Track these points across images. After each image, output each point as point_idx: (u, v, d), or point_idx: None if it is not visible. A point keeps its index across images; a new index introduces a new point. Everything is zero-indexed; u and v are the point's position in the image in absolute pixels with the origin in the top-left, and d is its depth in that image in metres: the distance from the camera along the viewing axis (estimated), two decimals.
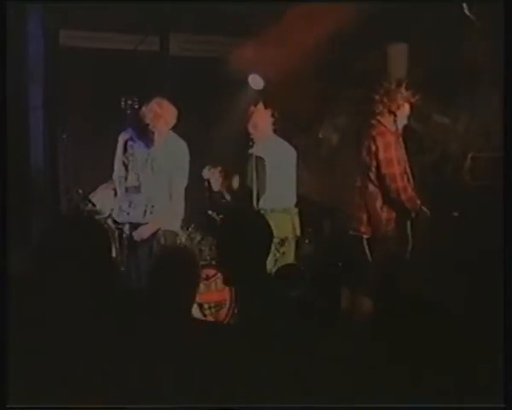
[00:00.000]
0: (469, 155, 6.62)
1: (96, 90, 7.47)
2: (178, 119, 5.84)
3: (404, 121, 6.04)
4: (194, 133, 7.06)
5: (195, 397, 2.66)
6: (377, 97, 5.96)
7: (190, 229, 6.74)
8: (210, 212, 6.82)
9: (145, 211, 5.80)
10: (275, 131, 6.34)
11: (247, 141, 6.24)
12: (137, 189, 5.83)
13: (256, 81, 7.13)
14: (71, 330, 2.68)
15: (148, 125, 5.74)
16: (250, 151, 6.18)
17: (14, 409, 2.61)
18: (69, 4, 7.00)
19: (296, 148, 6.38)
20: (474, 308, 2.68)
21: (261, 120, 6.28)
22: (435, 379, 2.50)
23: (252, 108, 6.34)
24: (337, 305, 4.28)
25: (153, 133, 5.77)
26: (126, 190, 5.86)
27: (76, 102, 7.50)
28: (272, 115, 6.30)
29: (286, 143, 6.36)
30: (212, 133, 7.42)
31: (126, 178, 5.84)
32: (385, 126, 5.92)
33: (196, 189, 6.29)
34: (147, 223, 5.79)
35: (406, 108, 5.99)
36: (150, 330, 2.80)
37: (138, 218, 5.81)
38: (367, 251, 5.86)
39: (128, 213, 5.82)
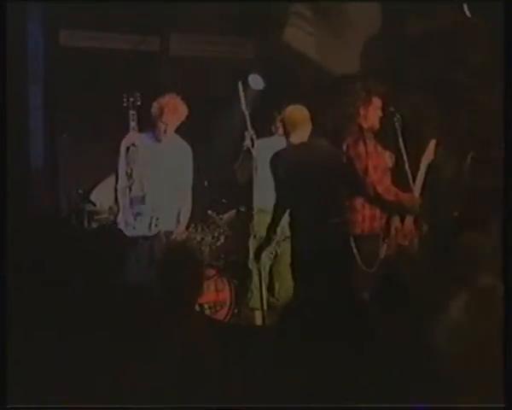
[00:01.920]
0: (469, 155, 6.61)
1: (96, 90, 7.46)
2: (186, 119, 5.89)
3: (379, 114, 6.01)
4: (195, 133, 7.05)
5: (199, 395, 2.66)
6: (351, 99, 5.98)
7: (190, 229, 6.74)
8: (210, 212, 6.82)
9: (150, 224, 5.81)
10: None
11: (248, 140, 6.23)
12: (142, 199, 5.83)
13: (256, 81, 7.12)
14: (71, 330, 2.68)
15: (160, 118, 5.77)
16: (252, 151, 6.15)
17: (14, 409, 2.61)
18: (69, 4, 7.00)
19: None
20: (473, 308, 2.68)
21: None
22: (435, 379, 2.50)
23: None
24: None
25: (166, 125, 5.80)
26: (131, 201, 5.86)
27: (76, 102, 7.49)
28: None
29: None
30: (213, 133, 7.42)
31: (130, 189, 5.84)
32: (358, 124, 5.92)
33: (197, 189, 6.29)
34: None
35: (376, 100, 5.97)
36: (154, 330, 2.79)
37: (144, 231, 5.81)
38: (355, 250, 5.82)
39: (134, 228, 5.82)
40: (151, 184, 5.87)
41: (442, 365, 2.42)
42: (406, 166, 5.97)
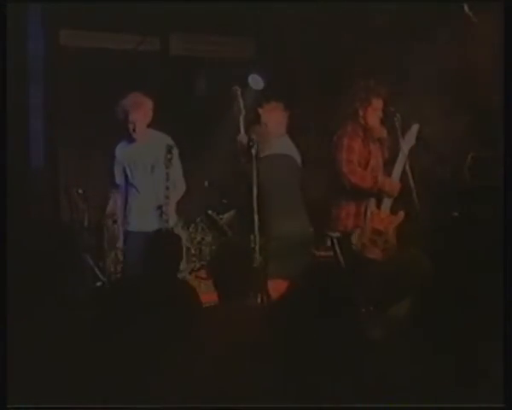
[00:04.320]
0: (469, 155, 6.61)
1: (96, 90, 7.47)
2: (154, 111, 5.81)
3: (379, 115, 6.02)
4: (195, 133, 7.06)
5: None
6: (351, 98, 6.01)
7: (190, 229, 6.74)
8: (210, 212, 6.82)
9: (148, 221, 5.75)
10: (287, 130, 6.30)
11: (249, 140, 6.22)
12: (136, 197, 5.82)
13: (256, 81, 7.11)
14: (71, 330, 2.68)
15: (126, 119, 5.70)
16: (252, 151, 6.14)
17: (14, 409, 2.61)
18: (69, 4, 7.01)
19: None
20: (473, 308, 2.68)
21: (273, 119, 6.23)
22: (435, 378, 2.50)
23: (264, 105, 6.31)
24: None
25: (133, 123, 5.71)
26: (126, 200, 5.87)
27: (76, 103, 7.50)
28: (287, 114, 6.26)
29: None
30: (213, 134, 7.42)
31: (125, 188, 5.86)
32: (356, 122, 5.95)
33: (197, 189, 6.29)
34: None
35: (377, 102, 5.98)
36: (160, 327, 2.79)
37: (143, 227, 5.76)
38: (337, 248, 5.84)
39: (132, 225, 5.78)
40: (140, 181, 5.80)
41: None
42: (407, 166, 5.98)
